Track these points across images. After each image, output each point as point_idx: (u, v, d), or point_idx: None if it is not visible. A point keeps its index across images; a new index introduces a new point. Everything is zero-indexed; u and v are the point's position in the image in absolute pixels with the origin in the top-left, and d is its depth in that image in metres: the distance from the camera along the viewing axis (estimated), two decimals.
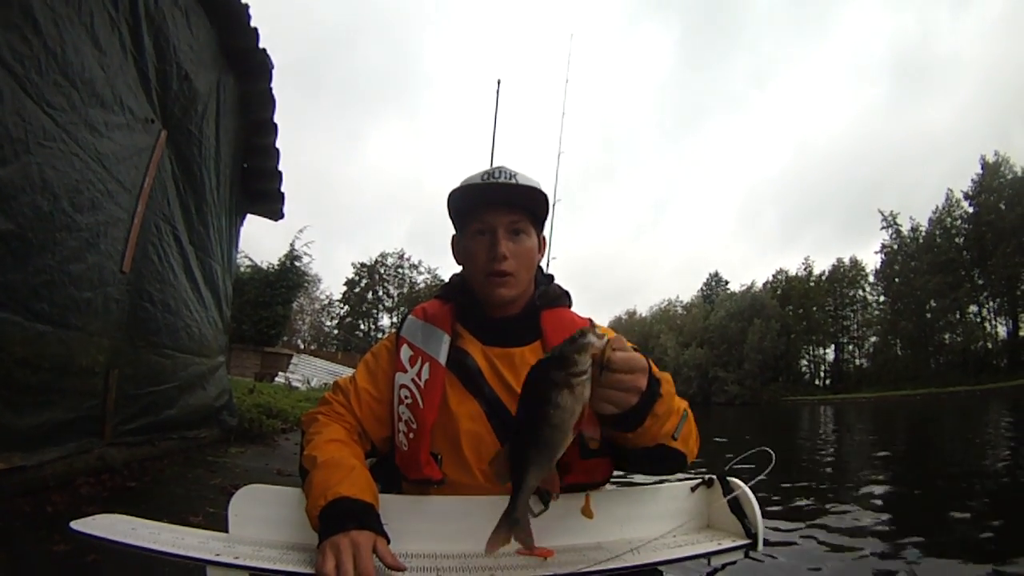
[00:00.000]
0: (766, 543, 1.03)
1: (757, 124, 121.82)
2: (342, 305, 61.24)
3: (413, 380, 1.07)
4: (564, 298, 1.22)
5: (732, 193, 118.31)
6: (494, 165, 1.14)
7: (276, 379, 12.57)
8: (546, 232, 1.25)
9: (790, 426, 15.56)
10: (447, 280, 1.26)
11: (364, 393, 1.12)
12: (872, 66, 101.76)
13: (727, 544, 0.99)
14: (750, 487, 1.04)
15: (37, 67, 2.11)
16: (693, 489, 1.12)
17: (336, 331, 58.49)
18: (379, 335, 61.39)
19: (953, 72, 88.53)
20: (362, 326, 61.60)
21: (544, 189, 1.14)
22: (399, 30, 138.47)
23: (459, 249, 1.19)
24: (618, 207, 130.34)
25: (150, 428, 3.26)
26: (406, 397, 1.07)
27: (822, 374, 60.47)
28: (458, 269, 1.24)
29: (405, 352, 1.11)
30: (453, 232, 1.22)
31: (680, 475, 1.16)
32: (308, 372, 15.80)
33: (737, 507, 1.03)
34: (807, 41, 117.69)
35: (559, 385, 0.75)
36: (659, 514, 1.09)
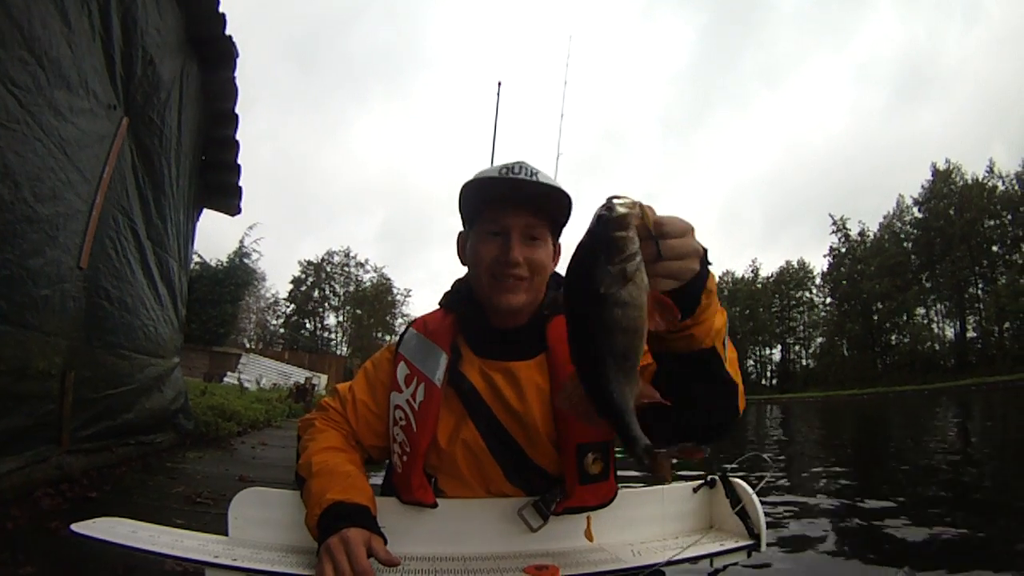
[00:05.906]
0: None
1: (757, 123, 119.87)
2: (288, 303, 60.03)
3: (408, 401, 1.01)
4: None
5: (719, 190, 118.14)
6: (513, 160, 1.00)
7: (225, 379, 12.14)
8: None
9: (742, 424, 16.16)
10: (450, 286, 1.16)
11: (361, 406, 1.08)
12: (877, 71, 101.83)
13: (730, 545, 1.01)
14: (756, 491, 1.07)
15: (0, 40, 1.95)
16: (695, 490, 1.15)
17: (282, 330, 57.23)
18: (325, 334, 60.74)
19: (951, 83, 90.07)
20: (308, 325, 60.52)
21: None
22: (403, 8, 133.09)
23: (466, 248, 1.07)
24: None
25: (108, 433, 3.08)
26: (400, 418, 1.02)
27: (769, 374, 63.14)
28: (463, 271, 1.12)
29: (402, 370, 1.04)
30: (460, 229, 1.10)
31: (680, 475, 1.16)
32: (257, 371, 15.35)
33: (740, 507, 1.06)
34: (823, 41, 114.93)
35: (616, 279, 0.59)
36: (662, 515, 1.12)
